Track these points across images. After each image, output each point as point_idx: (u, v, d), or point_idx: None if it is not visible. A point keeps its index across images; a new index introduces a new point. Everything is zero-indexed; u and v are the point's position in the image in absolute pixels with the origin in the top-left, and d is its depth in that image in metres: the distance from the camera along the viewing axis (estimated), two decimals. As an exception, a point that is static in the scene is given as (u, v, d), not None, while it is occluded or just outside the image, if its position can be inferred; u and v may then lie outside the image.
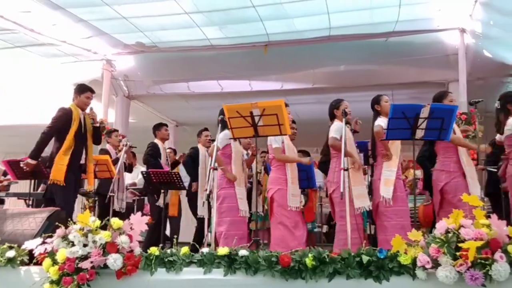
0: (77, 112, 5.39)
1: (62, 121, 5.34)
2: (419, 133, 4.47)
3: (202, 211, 6.55)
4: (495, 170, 6.19)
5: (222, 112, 5.01)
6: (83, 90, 5.55)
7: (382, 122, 5.11)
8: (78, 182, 5.49)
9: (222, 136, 5.31)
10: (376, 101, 5.40)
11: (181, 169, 7.79)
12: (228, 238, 5.24)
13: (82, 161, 5.43)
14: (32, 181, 7.31)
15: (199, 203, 6.68)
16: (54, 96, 10.76)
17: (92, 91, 5.64)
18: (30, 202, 7.55)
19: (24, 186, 8.11)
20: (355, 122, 5.55)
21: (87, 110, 5.59)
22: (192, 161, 7.08)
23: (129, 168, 7.25)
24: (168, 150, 7.45)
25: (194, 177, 7.03)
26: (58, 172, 5.14)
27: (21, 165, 5.34)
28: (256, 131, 4.70)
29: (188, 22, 7.92)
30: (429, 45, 8.52)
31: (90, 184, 5.54)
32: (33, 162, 5.26)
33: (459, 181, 5.01)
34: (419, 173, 8.08)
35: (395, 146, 5.14)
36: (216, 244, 4.83)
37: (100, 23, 8.09)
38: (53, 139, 5.38)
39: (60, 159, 5.17)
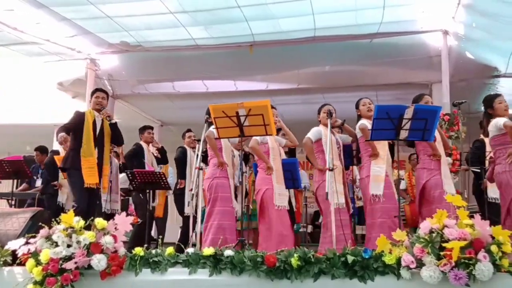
0: (91, 115, 5.47)
1: (75, 122, 5.43)
2: (403, 134, 4.51)
3: (188, 210, 6.55)
4: (478, 170, 6.30)
5: (208, 112, 5.00)
6: (93, 92, 5.75)
7: (365, 121, 5.23)
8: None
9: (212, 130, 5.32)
10: (356, 105, 5.59)
11: (170, 171, 7.78)
12: (219, 228, 5.26)
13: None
14: (15, 180, 7.25)
15: (186, 201, 6.68)
16: (38, 95, 10.69)
17: (101, 90, 5.78)
18: (13, 202, 7.48)
19: (7, 185, 8.02)
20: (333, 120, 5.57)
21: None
22: (180, 160, 7.07)
23: (123, 168, 7.20)
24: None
25: (181, 174, 7.01)
26: (91, 177, 5.24)
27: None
28: (242, 131, 4.70)
29: (173, 22, 7.88)
30: (412, 46, 8.58)
31: (105, 186, 5.59)
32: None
33: (438, 178, 5.13)
34: (402, 173, 8.16)
35: (382, 144, 5.20)
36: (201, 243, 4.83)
37: (84, 22, 8.01)
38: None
39: (87, 163, 5.25)
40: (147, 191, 6.43)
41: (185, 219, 6.74)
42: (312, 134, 5.47)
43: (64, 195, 6.99)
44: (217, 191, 5.45)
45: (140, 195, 6.70)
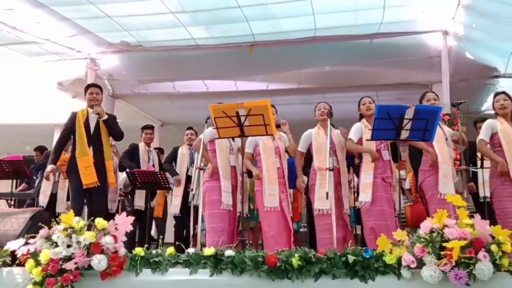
0: (82, 114, 5.39)
1: (68, 125, 5.39)
2: (404, 134, 4.50)
3: (174, 209, 6.65)
4: (477, 170, 6.31)
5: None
6: (86, 89, 5.62)
7: (354, 127, 5.22)
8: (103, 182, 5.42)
9: (208, 132, 5.28)
10: (358, 104, 5.51)
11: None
12: (209, 232, 5.22)
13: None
14: (14, 180, 7.21)
15: (173, 201, 6.71)
16: (37, 95, 10.69)
17: (93, 86, 5.68)
18: (12, 202, 7.46)
19: (6, 186, 8.02)
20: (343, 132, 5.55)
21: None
22: (172, 161, 7.07)
23: (122, 168, 7.18)
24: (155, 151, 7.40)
25: (173, 172, 7.00)
26: (88, 176, 5.16)
27: (46, 173, 5.30)
28: (242, 131, 4.69)
29: (173, 22, 7.88)
30: (413, 46, 8.59)
31: (111, 181, 5.48)
32: (51, 167, 5.27)
33: (431, 179, 5.04)
34: (403, 173, 8.15)
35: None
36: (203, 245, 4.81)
37: (84, 21, 8.01)
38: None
39: (82, 163, 5.19)
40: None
41: (176, 218, 6.78)
42: (301, 145, 5.40)
43: (46, 198, 6.83)
44: (204, 195, 5.39)
45: (129, 196, 6.70)
